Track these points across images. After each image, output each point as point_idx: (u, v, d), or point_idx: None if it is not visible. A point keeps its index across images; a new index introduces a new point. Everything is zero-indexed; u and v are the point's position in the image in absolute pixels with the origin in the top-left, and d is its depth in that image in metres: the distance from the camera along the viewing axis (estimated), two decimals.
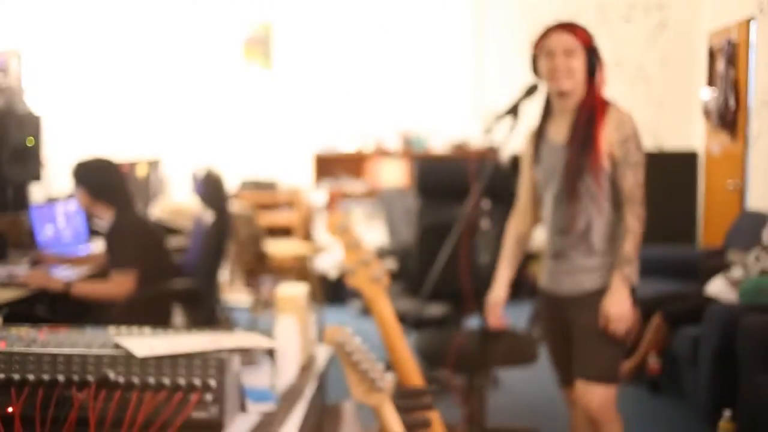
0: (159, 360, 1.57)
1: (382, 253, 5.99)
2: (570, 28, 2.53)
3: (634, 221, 2.49)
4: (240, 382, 1.73)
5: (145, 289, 3.44)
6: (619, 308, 2.50)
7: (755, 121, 5.33)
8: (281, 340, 1.95)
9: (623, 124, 2.51)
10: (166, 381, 1.56)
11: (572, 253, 2.61)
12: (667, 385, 4.27)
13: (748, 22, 5.41)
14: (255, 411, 1.74)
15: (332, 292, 6.38)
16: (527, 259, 6.14)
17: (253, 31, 6.88)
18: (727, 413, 3.35)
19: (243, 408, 1.75)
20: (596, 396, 2.56)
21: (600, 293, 2.56)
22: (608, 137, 2.52)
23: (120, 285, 3.37)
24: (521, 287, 6.14)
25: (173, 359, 1.57)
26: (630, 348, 2.73)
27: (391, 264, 5.75)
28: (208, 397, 1.57)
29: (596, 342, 2.58)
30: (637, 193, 2.50)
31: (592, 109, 2.53)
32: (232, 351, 1.69)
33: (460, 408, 3.75)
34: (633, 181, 2.49)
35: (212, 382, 1.57)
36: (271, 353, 1.97)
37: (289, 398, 1.84)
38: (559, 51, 2.51)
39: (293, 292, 2.07)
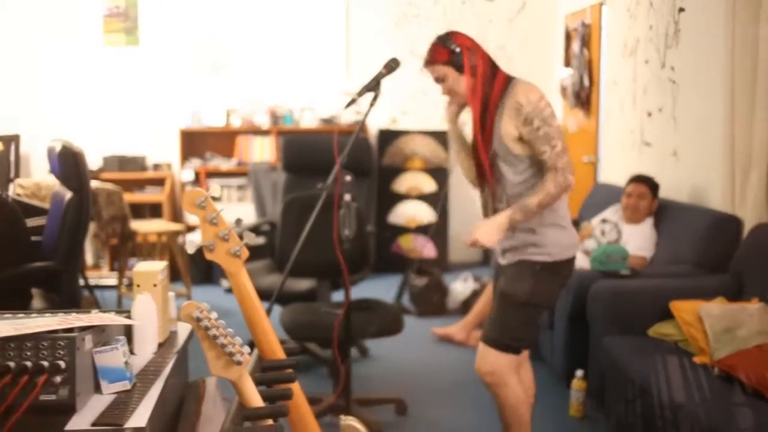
0: (3, 342, 1.52)
1: (251, 229, 5.95)
2: (428, 60, 2.66)
3: (551, 185, 2.55)
4: (93, 362, 1.69)
5: (1, 271, 3.29)
6: (480, 234, 2.62)
7: (606, 99, 5.63)
8: (138, 318, 1.92)
9: (518, 105, 2.57)
10: (11, 364, 1.50)
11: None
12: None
13: (600, 5, 5.69)
14: (110, 391, 1.71)
15: (203, 270, 6.28)
16: (396, 233, 6.30)
17: (116, 3, 6.61)
18: (579, 373, 3.57)
19: (97, 389, 1.71)
20: (488, 359, 2.72)
21: (522, 264, 2.70)
22: (507, 123, 2.60)
23: None
24: (387, 260, 6.28)
25: (19, 341, 1.52)
26: None
27: (260, 240, 5.72)
28: (57, 378, 1.53)
29: (502, 310, 2.73)
30: (559, 161, 2.54)
31: (480, 106, 2.65)
32: (83, 330, 1.65)
33: (329, 380, 3.81)
34: (549, 151, 2.55)
35: (61, 363, 1.53)
36: (128, 331, 1.93)
37: (146, 377, 1.82)
38: (435, 81, 2.68)
39: (150, 268, 2.03)
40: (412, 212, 6.03)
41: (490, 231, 2.61)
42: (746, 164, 3.67)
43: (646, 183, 4.24)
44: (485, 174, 2.71)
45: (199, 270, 6.24)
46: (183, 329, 2.21)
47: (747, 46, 3.61)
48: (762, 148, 3.53)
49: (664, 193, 4.40)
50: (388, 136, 6.57)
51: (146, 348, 1.94)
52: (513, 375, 2.76)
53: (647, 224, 4.20)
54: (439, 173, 6.59)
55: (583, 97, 5.93)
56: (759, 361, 2.71)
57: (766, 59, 3.47)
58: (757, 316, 3.00)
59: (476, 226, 2.64)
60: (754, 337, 2.93)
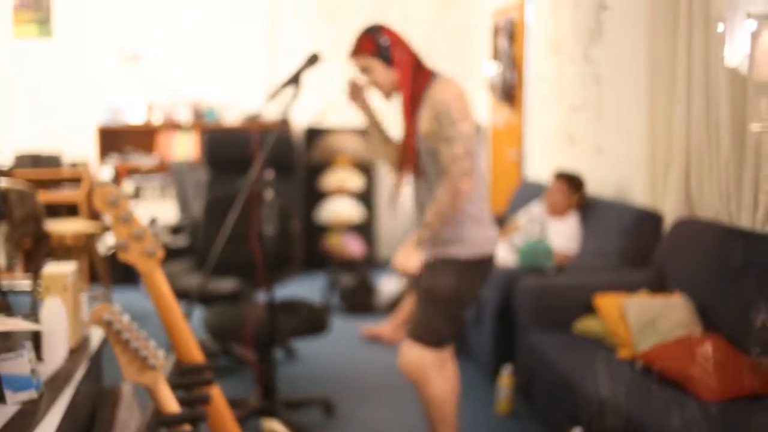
0: None
1: (173, 229, 5.79)
2: (355, 50, 2.65)
3: (443, 192, 2.58)
4: None
5: None
6: (400, 261, 2.66)
7: (532, 94, 5.68)
8: (46, 323, 1.81)
9: (434, 102, 2.58)
10: None
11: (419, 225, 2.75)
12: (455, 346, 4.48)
13: (523, 2, 5.74)
14: (15, 401, 1.61)
15: (123, 272, 6.08)
16: (323, 231, 6.23)
17: None
18: (507, 368, 3.58)
19: (1, 399, 1.61)
20: (411, 355, 2.71)
21: (436, 262, 2.70)
22: (424, 117, 2.60)
23: None
24: (316, 259, 6.22)
25: None
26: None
27: (183, 240, 5.57)
28: None
29: (424, 306, 2.73)
30: (453, 166, 2.55)
31: (406, 98, 2.65)
32: None
33: (255, 381, 3.72)
34: (447, 154, 2.56)
35: None
36: (36, 337, 1.83)
37: (55, 384, 1.71)
38: (360, 72, 2.67)
39: (60, 270, 1.92)
40: (340, 210, 5.96)
41: (407, 257, 2.65)
42: (667, 160, 3.74)
43: (562, 178, 4.29)
44: (411, 167, 2.71)
45: (120, 271, 6.03)
46: (97, 334, 2.11)
47: (666, 43, 3.67)
48: (681, 144, 3.60)
49: (589, 188, 4.46)
50: (315, 134, 6.49)
51: (56, 354, 1.84)
52: (437, 371, 2.74)
53: (573, 220, 4.25)
54: (367, 170, 6.55)
55: (510, 93, 5.97)
56: (679, 353, 2.75)
57: (684, 56, 3.54)
58: (677, 309, 3.05)
59: (397, 253, 2.68)
60: (675, 329, 2.98)
